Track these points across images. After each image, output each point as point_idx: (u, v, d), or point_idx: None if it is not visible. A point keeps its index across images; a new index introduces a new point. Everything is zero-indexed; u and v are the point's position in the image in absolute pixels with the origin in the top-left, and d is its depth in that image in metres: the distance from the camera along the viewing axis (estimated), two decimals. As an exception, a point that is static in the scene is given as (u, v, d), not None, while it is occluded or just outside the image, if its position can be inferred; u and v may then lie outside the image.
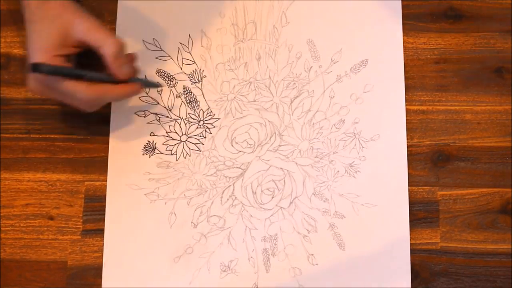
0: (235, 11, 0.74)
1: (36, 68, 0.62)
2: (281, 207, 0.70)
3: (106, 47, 0.64)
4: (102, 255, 0.69)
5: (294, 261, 0.69)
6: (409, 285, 0.68)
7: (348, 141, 0.71)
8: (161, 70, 0.73)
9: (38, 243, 0.70)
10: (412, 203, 0.70)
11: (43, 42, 0.64)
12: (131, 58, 0.68)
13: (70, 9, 0.66)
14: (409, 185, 0.70)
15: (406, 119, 0.71)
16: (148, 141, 0.71)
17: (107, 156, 0.71)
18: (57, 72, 0.63)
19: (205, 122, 0.72)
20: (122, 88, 0.66)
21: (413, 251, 0.69)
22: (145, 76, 0.72)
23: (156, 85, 0.71)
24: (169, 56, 0.73)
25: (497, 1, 0.74)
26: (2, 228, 0.70)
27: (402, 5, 0.74)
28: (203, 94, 0.72)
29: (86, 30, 0.65)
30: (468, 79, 0.73)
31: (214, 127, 0.72)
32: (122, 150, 0.71)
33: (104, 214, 0.70)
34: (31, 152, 0.72)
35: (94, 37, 0.65)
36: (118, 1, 0.75)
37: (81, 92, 0.64)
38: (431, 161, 0.71)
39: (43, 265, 0.69)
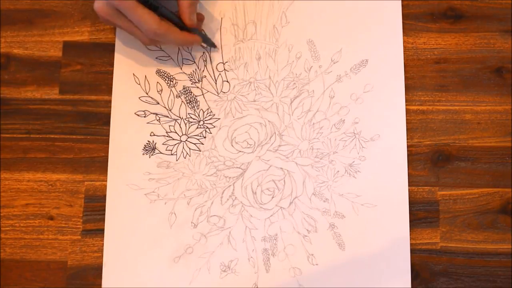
0: (235, 11, 0.74)
1: None
2: (281, 207, 0.70)
3: None
4: (102, 255, 0.69)
5: (294, 261, 0.69)
6: (409, 285, 0.68)
7: (348, 141, 0.71)
8: (161, 70, 0.73)
9: (38, 243, 0.70)
10: (412, 203, 0.70)
11: None
12: (200, 17, 0.73)
13: None
14: (409, 185, 0.70)
15: (406, 119, 0.71)
16: (148, 141, 0.71)
17: (107, 156, 0.71)
18: None
19: (205, 122, 0.72)
20: (186, 34, 0.69)
21: (413, 251, 0.69)
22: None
23: (212, 44, 0.72)
24: (169, 56, 0.73)
25: (497, 1, 0.74)
26: (2, 228, 0.70)
27: (402, 5, 0.74)
28: (203, 94, 0.72)
29: None
30: (468, 79, 0.73)
31: (214, 127, 0.72)
32: (122, 150, 0.71)
33: (104, 214, 0.70)
34: (31, 152, 0.72)
35: None
36: (118, 1, 0.75)
37: (152, 24, 0.65)
38: (431, 161, 0.71)
39: (43, 265, 0.69)
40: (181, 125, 0.72)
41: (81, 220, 0.70)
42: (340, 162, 0.70)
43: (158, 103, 0.72)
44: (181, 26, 0.69)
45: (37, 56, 0.74)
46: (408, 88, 0.72)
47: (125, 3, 0.65)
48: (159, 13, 0.67)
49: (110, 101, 0.72)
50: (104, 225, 0.70)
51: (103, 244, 0.69)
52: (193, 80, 0.73)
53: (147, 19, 0.66)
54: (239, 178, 0.70)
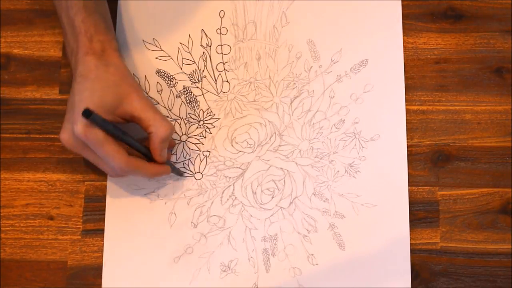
0: (235, 11, 0.74)
1: (89, 114, 0.59)
2: (281, 207, 0.70)
3: (158, 130, 0.64)
4: (102, 255, 0.69)
5: (294, 261, 0.69)
6: (409, 285, 0.68)
7: (348, 141, 0.71)
8: (161, 70, 0.73)
9: (38, 243, 0.70)
10: (412, 203, 0.70)
11: (94, 102, 0.61)
12: (172, 143, 0.69)
13: (128, 81, 0.65)
14: (409, 185, 0.70)
15: (406, 119, 0.71)
16: (148, 141, 0.71)
17: (107, 156, 0.71)
18: (106, 127, 0.61)
19: (205, 122, 0.72)
20: (156, 168, 0.66)
21: (413, 251, 0.69)
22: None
23: (180, 173, 0.70)
24: (169, 56, 0.73)
25: (497, 1, 0.74)
26: (2, 228, 0.70)
27: (402, 5, 0.74)
28: (203, 94, 0.72)
29: (141, 107, 0.64)
30: (468, 79, 0.73)
31: (214, 127, 0.72)
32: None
33: (104, 214, 0.70)
34: (31, 152, 0.72)
35: (148, 115, 0.64)
36: (118, 1, 0.75)
37: (119, 161, 0.62)
38: (431, 161, 0.71)
39: (43, 265, 0.69)
40: (181, 125, 0.72)
41: (81, 220, 0.70)
42: (340, 162, 0.70)
43: (158, 103, 0.72)
44: (150, 157, 0.66)
45: (37, 56, 0.74)
46: (408, 88, 0.72)
47: (92, 138, 0.61)
48: (127, 144, 0.64)
49: (110, 101, 0.72)
50: (104, 225, 0.70)
51: (103, 244, 0.69)
52: (193, 80, 0.73)
53: (115, 156, 0.62)
54: (239, 178, 0.70)
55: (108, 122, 0.62)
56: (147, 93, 0.72)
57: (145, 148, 0.66)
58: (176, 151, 0.71)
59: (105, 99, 0.63)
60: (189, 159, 0.71)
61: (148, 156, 0.66)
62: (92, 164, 0.64)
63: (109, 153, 0.62)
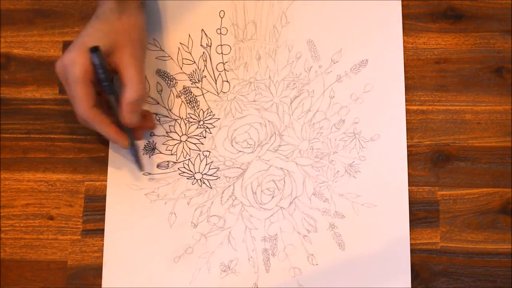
0: (235, 11, 0.74)
1: (95, 50, 0.61)
2: (281, 207, 0.70)
3: (127, 90, 0.63)
4: (102, 255, 0.69)
5: (294, 261, 0.69)
6: (409, 285, 0.68)
7: (348, 141, 0.71)
8: (161, 70, 0.73)
9: (38, 243, 0.70)
10: (412, 203, 0.70)
11: (92, 39, 0.63)
12: (149, 124, 0.69)
13: (132, 33, 0.65)
14: (409, 185, 0.70)
15: (406, 119, 0.71)
16: (148, 141, 0.71)
17: (107, 156, 0.71)
18: (98, 70, 0.62)
19: (205, 122, 0.72)
20: (115, 132, 0.65)
21: (413, 251, 0.69)
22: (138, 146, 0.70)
23: (139, 162, 0.69)
24: (169, 56, 0.73)
25: (497, 1, 0.74)
26: (2, 228, 0.70)
27: (402, 5, 0.74)
28: (203, 94, 0.72)
29: (126, 63, 0.64)
30: (468, 79, 0.73)
31: (214, 127, 0.72)
32: (122, 150, 0.70)
33: (104, 214, 0.70)
34: (31, 152, 0.72)
35: (127, 74, 0.64)
36: (118, 1, 0.75)
37: (82, 106, 0.62)
38: (431, 161, 0.71)
39: (43, 265, 0.69)
40: (181, 125, 0.72)
41: (81, 220, 0.70)
42: (340, 162, 0.70)
43: (158, 103, 0.72)
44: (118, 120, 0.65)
45: (37, 56, 0.74)
46: (408, 88, 0.72)
47: (70, 71, 0.61)
48: (104, 88, 0.63)
49: (110, 101, 0.72)
50: (104, 225, 0.70)
51: (103, 244, 0.69)
52: (193, 80, 0.73)
53: (81, 98, 0.62)
54: (239, 178, 0.70)
55: (104, 67, 0.62)
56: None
57: (118, 106, 0.64)
58: (176, 151, 0.71)
59: (101, 41, 0.63)
60: (189, 159, 0.71)
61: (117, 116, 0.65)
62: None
63: (77, 94, 0.62)
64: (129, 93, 0.63)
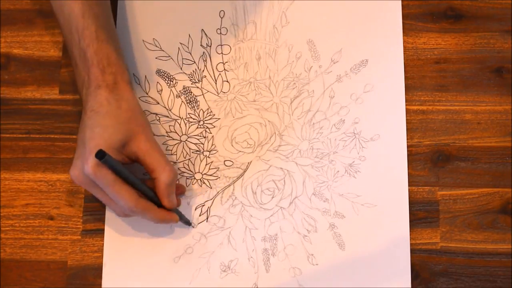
0: (235, 11, 0.74)
1: (102, 156, 0.59)
2: (281, 207, 0.70)
3: (162, 174, 0.63)
4: (102, 255, 0.69)
5: (294, 261, 0.69)
6: (409, 285, 0.68)
7: (348, 141, 0.71)
8: (161, 70, 0.73)
9: (38, 243, 0.70)
10: (412, 203, 0.70)
11: (105, 139, 0.61)
12: (181, 190, 0.69)
13: (138, 119, 0.64)
14: (409, 185, 0.70)
15: (406, 119, 0.71)
16: (148, 141, 0.71)
17: (107, 156, 0.71)
18: (118, 169, 0.61)
19: (205, 122, 0.72)
20: (164, 214, 0.65)
21: (413, 251, 0.69)
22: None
23: (188, 221, 0.69)
24: (169, 56, 0.73)
25: (497, 1, 0.74)
26: (2, 228, 0.70)
27: (402, 5, 0.74)
28: (203, 94, 0.72)
29: (146, 149, 0.63)
30: (468, 79, 0.73)
31: (214, 127, 0.72)
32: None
33: (104, 214, 0.70)
34: (31, 152, 0.72)
35: (152, 160, 0.63)
36: (118, 1, 0.75)
37: (129, 201, 0.62)
38: (431, 161, 0.71)
39: (43, 265, 0.69)
40: (181, 125, 0.72)
41: (81, 220, 0.70)
42: (340, 162, 0.70)
43: (158, 103, 0.72)
44: (158, 202, 0.65)
45: (37, 56, 0.74)
46: (408, 88, 0.72)
47: (102, 178, 0.60)
48: (137, 189, 0.63)
49: (110, 101, 0.72)
50: (104, 225, 0.70)
51: (103, 244, 0.69)
52: (193, 80, 0.73)
53: (125, 195, 0.61)
54: (239, 178, 0.70)
55: (120, 164, 0.61)
56: (147, 93, 0.72)
57: (153, 193, 0.65)
58: (176, 151, 0.71)
59: (115, 137, 0.62)
60: (189, 159, 0.71)
61: (154, 201, 0.65)
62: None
63: (120, 193, 0.61)
64: (164, 177, 0.63)
